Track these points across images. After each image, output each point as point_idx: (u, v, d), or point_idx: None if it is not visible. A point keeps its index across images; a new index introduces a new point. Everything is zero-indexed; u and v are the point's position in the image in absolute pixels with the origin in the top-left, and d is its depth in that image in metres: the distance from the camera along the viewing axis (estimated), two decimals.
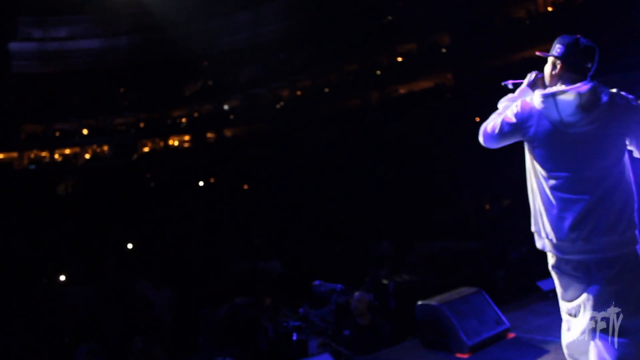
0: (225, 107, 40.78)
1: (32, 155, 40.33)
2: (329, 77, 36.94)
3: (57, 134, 40.23)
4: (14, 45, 39.47)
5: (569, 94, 2.88)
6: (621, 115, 2.86)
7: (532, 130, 2.97)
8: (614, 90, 2.94)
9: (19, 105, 38.20)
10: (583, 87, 2.88)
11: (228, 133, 40.28)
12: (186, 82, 41.79)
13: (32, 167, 39.40)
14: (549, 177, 2.94)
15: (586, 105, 2.84)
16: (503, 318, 5.23)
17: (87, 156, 40.81)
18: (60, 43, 40.89)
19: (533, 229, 3.14)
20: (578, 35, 3.05)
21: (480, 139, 3.20)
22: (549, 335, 5.00)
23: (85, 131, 40.68)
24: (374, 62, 35.24)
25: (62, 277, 11.43)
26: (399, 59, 34.71)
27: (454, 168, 19.69)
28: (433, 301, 5.06)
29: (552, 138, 2.92)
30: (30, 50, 40.02)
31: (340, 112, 33.75)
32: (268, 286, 7.98)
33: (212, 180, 33.31)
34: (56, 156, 40.48)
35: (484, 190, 17.66)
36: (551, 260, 3.07)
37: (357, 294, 5.55)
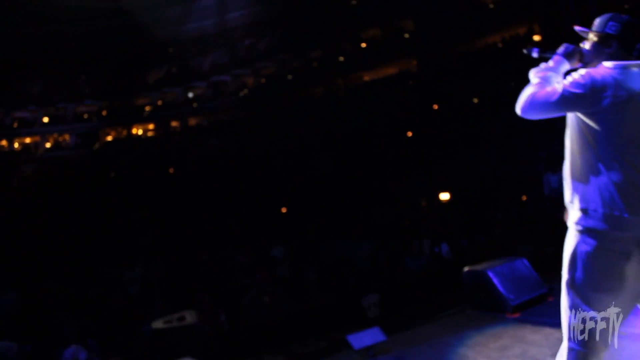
0: (190, 94, 39.65)
1: None
2: (293, 63, 35.88)
3: (16, 123, 38.99)
4: None
5: None
6: None
7: (607, 101, 2.79)
8: None
9: None
10: None
11: (192, 122, 39.19)
12: (150, 69, 40.60)
13: None
14: (622, 149, 2.79)
15: None
16: None
17: (48, 145, 39.67)
18: (16, 28, 39.51)
19: (580, 206, 2.90)
20: (627, 16, 2.98)
21: (522, 108, 2.93)
22: None
23: (45, 119, 39.46)
24: (338, 48, 34.22)
25: None
26: (363, 45, 33.73)
27: (404, 160, 18.78)
28: None
29: (629, 109, 2.77)
30: None
31: (303, 101, 32.76)
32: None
33: (171, 170, 32.21)
34: (15, 145, 39.30)
35: (428, 183, 16.70)
36: (597, 241, 2.81)
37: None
